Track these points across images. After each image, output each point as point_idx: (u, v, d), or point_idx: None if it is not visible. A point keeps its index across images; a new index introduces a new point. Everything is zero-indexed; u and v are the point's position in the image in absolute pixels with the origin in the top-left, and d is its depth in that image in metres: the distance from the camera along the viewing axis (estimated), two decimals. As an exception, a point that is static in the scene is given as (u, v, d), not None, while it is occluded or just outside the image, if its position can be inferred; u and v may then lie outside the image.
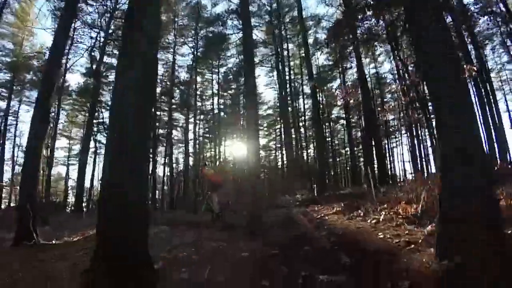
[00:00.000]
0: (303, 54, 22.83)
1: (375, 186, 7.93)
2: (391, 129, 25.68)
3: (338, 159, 28.31)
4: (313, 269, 2.78)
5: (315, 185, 14.24)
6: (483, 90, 15.12)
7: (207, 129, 26.67)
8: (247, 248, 3.75)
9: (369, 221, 4.82)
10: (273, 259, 3.26)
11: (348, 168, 28.01)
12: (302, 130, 27.06)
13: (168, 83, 23.65)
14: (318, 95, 22.88)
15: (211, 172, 8.07)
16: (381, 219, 4.59)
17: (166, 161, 25.41)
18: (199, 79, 25.73)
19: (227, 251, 3.72)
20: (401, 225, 4.03)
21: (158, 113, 24.34)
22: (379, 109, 19.80)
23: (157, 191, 23.82)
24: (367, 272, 2.68)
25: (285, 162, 24.35)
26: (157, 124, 23.14)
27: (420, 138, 21.81)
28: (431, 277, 2.40)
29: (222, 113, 26.03)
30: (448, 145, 2.77)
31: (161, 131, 24.26)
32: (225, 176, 8.93)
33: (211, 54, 24.14)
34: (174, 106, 24.96)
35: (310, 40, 22.22)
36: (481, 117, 14.06)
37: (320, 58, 27.03)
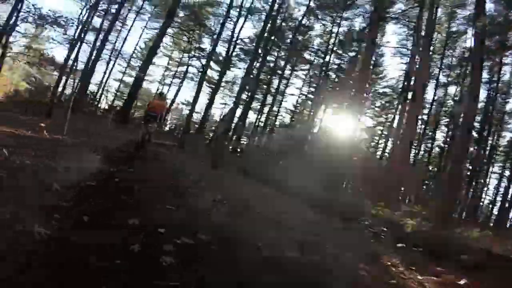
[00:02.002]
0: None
1: None
2: None
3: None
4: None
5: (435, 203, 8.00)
6: None
7: (313, 88, 23.14)
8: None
9: None
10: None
11: None
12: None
13: (279, 22, 19.27)
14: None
15: (155, 102, 7.45)
16: None
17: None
18: (317, 26, 22.07)
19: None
20: None
21: (269, 57, 21.15)
22: None
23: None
24: None
25: (387, 154, 19.00)
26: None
27: None
28: None
29: (333, 75, 22.06)
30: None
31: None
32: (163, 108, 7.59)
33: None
34: (281, 54, 22.42)
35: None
36: None
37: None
